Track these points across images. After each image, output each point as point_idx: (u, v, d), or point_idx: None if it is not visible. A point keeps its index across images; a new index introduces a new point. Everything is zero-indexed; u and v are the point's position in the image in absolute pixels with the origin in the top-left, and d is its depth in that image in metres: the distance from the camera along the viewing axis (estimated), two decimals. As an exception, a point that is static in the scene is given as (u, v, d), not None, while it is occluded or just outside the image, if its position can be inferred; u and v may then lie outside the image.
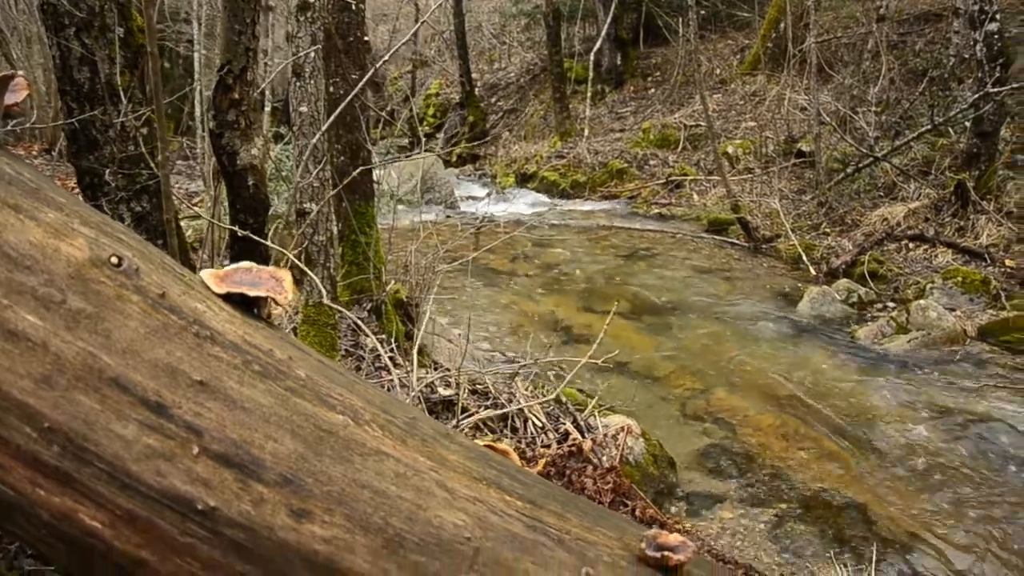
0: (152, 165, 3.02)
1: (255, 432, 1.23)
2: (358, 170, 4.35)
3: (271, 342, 1.36)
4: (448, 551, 1.25)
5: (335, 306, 3.70)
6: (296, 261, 3.25)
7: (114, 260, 1.28)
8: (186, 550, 1.19)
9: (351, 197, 5.27)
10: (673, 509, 4.20)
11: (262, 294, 1.42)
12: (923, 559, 3.80)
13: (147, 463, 1.18)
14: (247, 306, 1.43)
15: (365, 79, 3.98)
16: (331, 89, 5.00)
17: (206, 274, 1.43)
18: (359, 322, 3.72)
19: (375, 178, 6.09)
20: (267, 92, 9.29)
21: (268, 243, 3.09)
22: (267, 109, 9.11)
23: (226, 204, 4.00)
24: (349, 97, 3.56)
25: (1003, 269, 7.56)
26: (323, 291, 3.36)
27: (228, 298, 1.40)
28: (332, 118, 3.45)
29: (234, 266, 1.49)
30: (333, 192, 3.71)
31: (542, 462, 2.99)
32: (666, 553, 1.37)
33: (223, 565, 1.20)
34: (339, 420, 1.30)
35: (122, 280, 1.27)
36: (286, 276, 1.49)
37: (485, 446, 1.53)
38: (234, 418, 1.23)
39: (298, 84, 3.91)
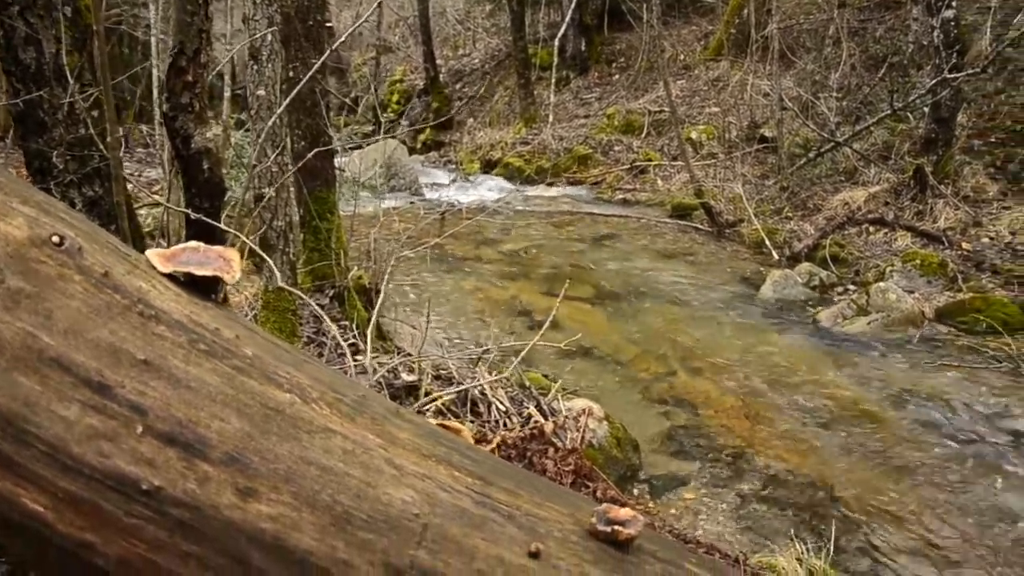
0: (102, 148, 2.97)
1: (200, 411, 1.21)
2: (312, 152, 4.30)
3: (218, 321, 1.34)
4: (396, 527, 1.25)
5: (294, 291, 3.67)
6: (253, 246, 3.21)
7: (55, 239, 1.25)
8: (131, 531, 1.17)
9: (312, 183, 5.22)
10: (636, 491, 4.23)
11: (210, 273, 1.40)
12: (880, 534, 3.87)
13: (89, 444, 1.16)
14: (197, 287, 1.41)
15: (322, 60, 3.94)
16: (291, 74, 4.94)
17: (151, 253, 1.40)
18: (318, 308, 3.69)
19: (338, 164, 6.04)
20: (228, 78, 9.16)
21: (224, 227, 3.04)
22: (227, 95, 8.98)
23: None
24: (304, 79, 3.52)
25: (960, 252, 7.71)
26: (278, 275, 3.32)
27: (176, 278, 1.38)
28: (287, 101, 3.41)
29: (182, 246, 1.47)
30: (288, 175, 3.67)
31: (495, 441, 3.00)
32: (616, 527, 1.39)
33: (169, 545, 1.18)
34: (286, 398, 1.29)
35: (64, 259, 1.25)
36: (235, 256, 1.47)
37: (437, 424, 1.53)
38: (179, 397, 1.21)
39: (255, 68, 3.86)
